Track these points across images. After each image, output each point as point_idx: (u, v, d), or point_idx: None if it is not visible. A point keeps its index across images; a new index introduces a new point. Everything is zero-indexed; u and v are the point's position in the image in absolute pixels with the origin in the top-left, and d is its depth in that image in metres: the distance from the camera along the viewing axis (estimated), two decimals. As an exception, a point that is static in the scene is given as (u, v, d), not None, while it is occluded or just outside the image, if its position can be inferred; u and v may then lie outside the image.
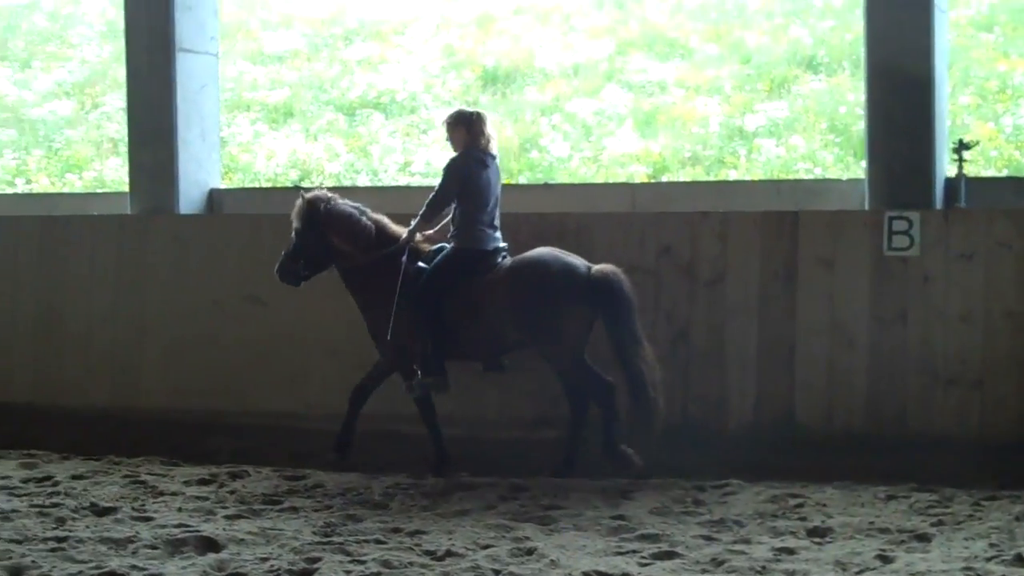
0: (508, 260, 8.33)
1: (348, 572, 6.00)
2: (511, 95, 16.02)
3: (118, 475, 8.17)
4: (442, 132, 8.64)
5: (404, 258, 8.33)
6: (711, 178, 12.29)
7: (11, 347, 10.13)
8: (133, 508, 7.32)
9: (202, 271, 9.79)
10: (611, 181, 12.53)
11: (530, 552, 6.28)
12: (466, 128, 8.33)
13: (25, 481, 8.08)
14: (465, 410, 8.79)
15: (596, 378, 8.09)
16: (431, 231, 8.46)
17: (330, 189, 8.94)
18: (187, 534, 6.66)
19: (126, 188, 13.03)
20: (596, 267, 8.08)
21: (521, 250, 8.31)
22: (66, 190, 15.22)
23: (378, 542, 6.54)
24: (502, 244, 8.40)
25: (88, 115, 18.70)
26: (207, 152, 10.45)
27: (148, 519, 7.06)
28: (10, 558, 6.32)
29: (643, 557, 6.21)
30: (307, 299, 9.23)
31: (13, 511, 7.25)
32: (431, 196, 8.33)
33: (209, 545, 6.50)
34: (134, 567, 6.12)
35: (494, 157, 8.42)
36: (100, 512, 7.23)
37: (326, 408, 9.07)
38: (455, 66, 17.46)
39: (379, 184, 14.22)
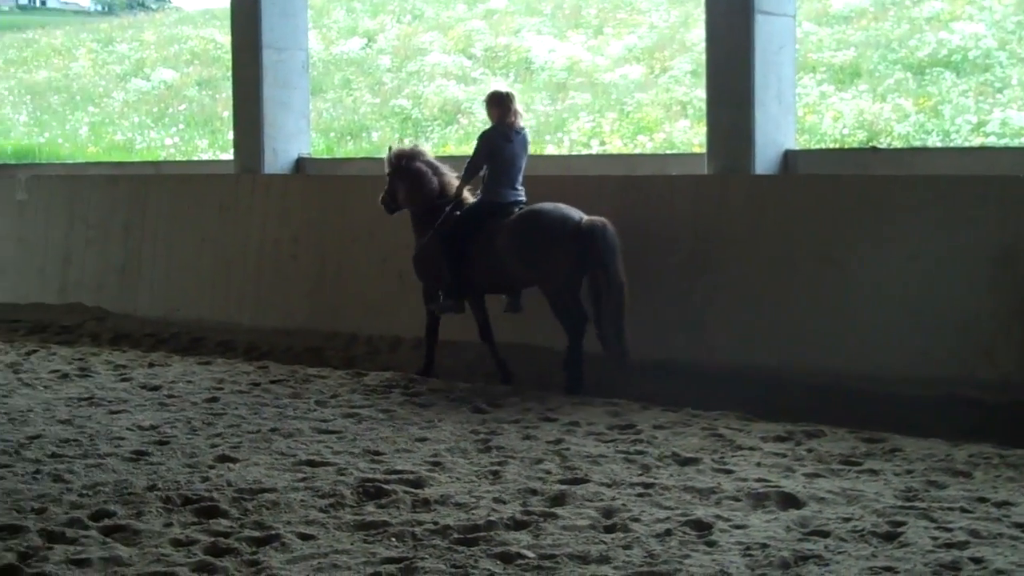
0: (521, 209, 9.99)
1: (935, 538, 5.90)
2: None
3: (697, 427, 8.39)
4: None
5: (448, 208, 10.21)
6: None
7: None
8: (713, 460, 7.52)
9: (777, 231, 9.87)
10: None
11: None
12: (497, 106, 10.04)
13: (610, 428, 8.49)
14: None
15: (577, 313, 9.68)
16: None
17: (888, 151, 9.05)
18: (768, 488, 6.78)
19: (694, 150, 13.34)
20: (587, 218, 9.55)
21: None
22: (637, 151, 15.77)
23: (963, 511, 6.38)
24: (522, 199, 10.08)
25: (657, 79, 19.27)
26: (783, 114, 10.49)
27: (728, 471, 7.24)
28: (601, 500, 6.69)
29: None
30: (884, 260, 9.13)
31: (601, 456, 7.65)
32: (468, 162, 10.17)
33: (790, 501, 6.59)
34: (719, 517, 6.31)
35: (519, 131, 10.08)
36: (683, 462, 7.48)
37: (899, 372, 8.97)
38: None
39: (951, 145, 13.74)
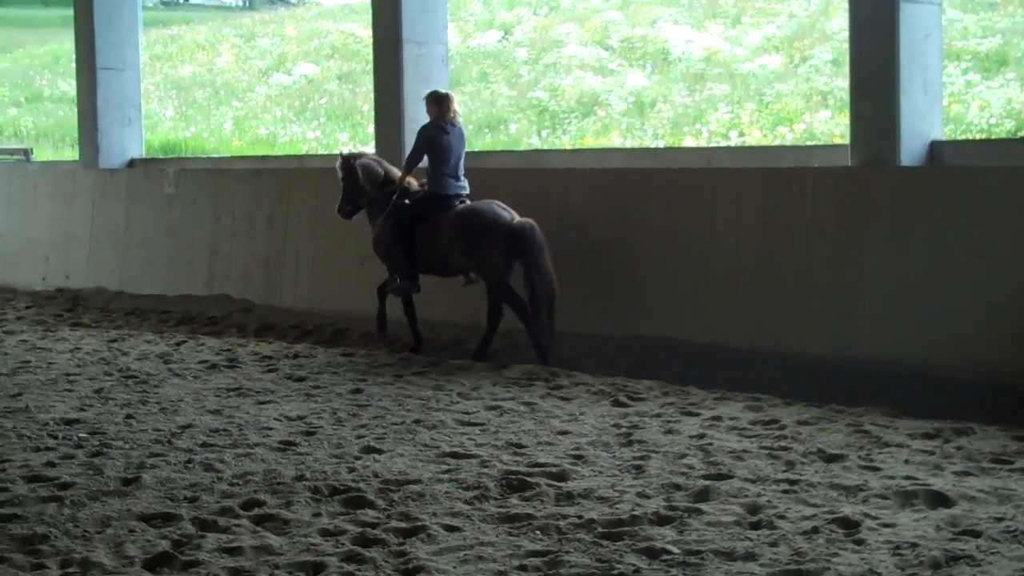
0: (462, 205, 11.18)
1: (1090, 542, 5.77)
2: None
3: (841, 423, 8.28)
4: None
5: (395, 196, 11.43)
6: None
7: (733, 293, 10.56)
8: (859, 457, 7.41)
9: (923, 223, 9.70)
10: None
11: None
12: (436, 105, 11.27)
13: (753, 423, 8.42)
14: None
15: (517, 298, 10.88)
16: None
17: None
18: (916, 487, 6.67)
19: (836, 140, 13.16)
20: (517, 219, 10.80)
21: None
22: (777, 142, 15.61)
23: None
24: (464, 191, 11.31)
25: (797, 68, 19.04)
26: (929, 104, 10.29)
27: (875, 468, 7.13)
28: (746, 496, 6.65)
29: None
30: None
31: (744, 451, 7.60)
32: (408, 154, 11.47)
33: (939, 499, 6.47)
34: (866, 515, 6.22)
35: (455, 126, 11.28)
36: (828, 458, 7.39)
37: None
38: None
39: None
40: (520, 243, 10.71)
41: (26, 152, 21.24)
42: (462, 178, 11.36)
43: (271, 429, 8.43)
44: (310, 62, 27.04)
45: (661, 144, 16.61)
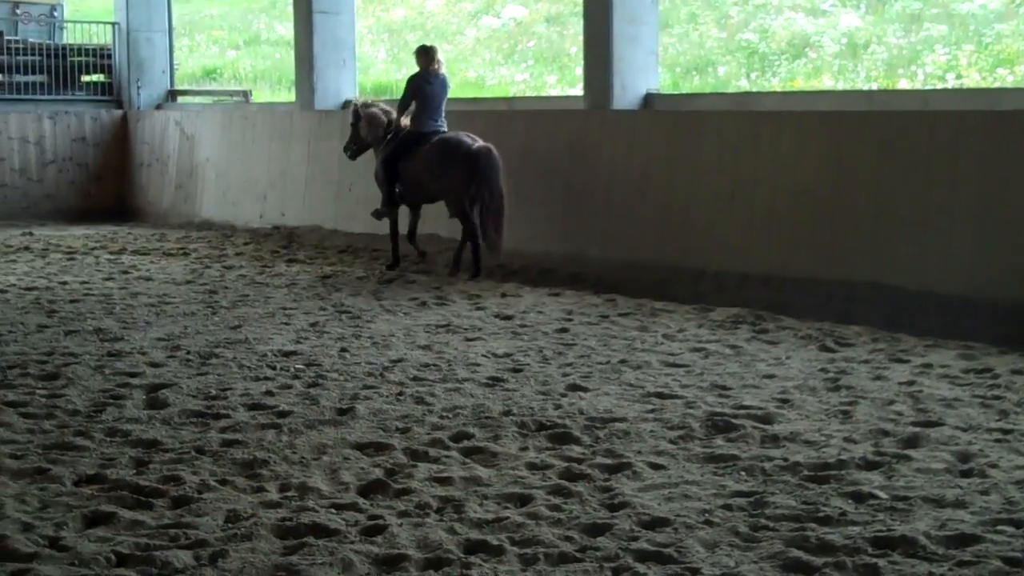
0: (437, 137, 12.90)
1: None
2: None
3: (1058, 374, 8.07)
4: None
5: (390, 135, 13.32)
6: None
7: (949, 239, 10.28)
8: (1077, 408, 7.23)
9: None
10: None
11: None
12: (424, 56, 13.11)
13: (966, 371, 8.25)
14: None
15: (470, 220, 12.59)
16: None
17: None
18: None
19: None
20: (476, 144, 12.47)
21: None
22: (997, 85, 15.11)
23: None
24: (442, 129, 13.07)
25: (1019, 8, 18.35)
26: None
27: (1094, 421, 6.94)
28: (956, 444, 6.54)
29: None
30: None
31: (955, 399, 7.47)
32: (399, 101, 13.37)
33: None
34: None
35: (438, 75, 13.07)
36: (1043, 408, 7.23)
37: None
38: None
39: None
40: (476, 167, 12.34)
41: (245, 94, 21.89)
42: (441, 119, 13.17)
43: (479, 365, 8.60)
44: (518, 4, 27.15)
45: (874, 87, 16.24)
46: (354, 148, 13.95)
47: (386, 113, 13.51)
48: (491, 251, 12.58)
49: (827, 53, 17.73)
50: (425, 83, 13.04)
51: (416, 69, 13.24)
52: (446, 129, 13.13)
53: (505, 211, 12.41)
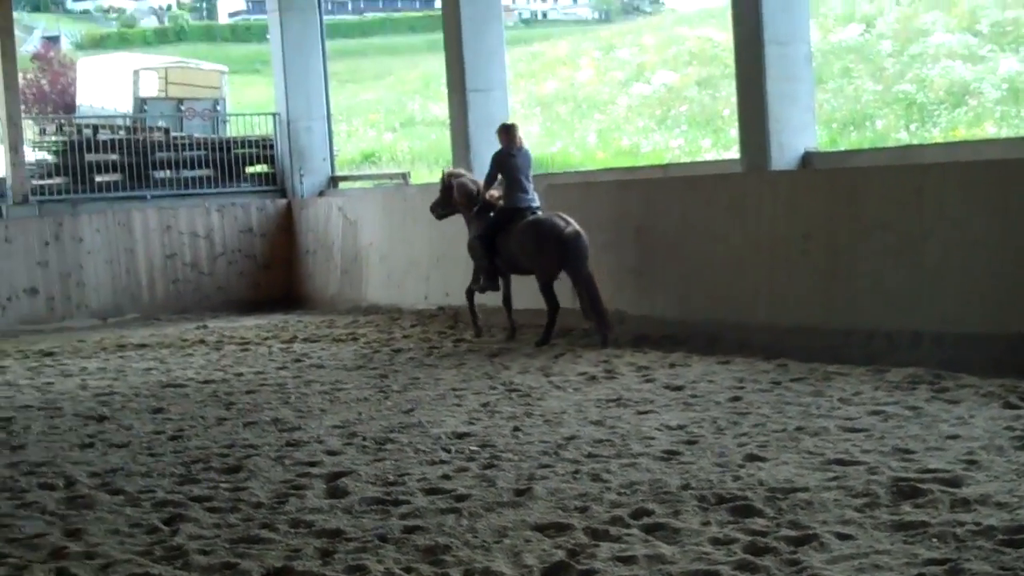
0: (532, 216, 13.71)
1: None
2: None
3: None
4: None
5: (477, 209, 14.23)
6: None
7: None
8: None
9: None
10: None
11: None
12: (506, 134, 13.98)
13: None
14: None
15: (554, 298, 13.50)
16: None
17: None
18: None
19: None
20: (568, 228, 13.23)
21: None
22: None
23: None
24: (535, 204, 13.90)
25: None
26: None
27: None
28: None
29: None
30: None
31: None
32: (485, 176, 14.18)
33: None
34: None
35: (520, 148, 13.99)
36: None
37: None
38: None
39: None
40: (566, 250, 13.21)
41: (404, 176, 22.27)
42: (531, 192, 13.98)
43: (653, 439, 8.54)
44: (669, 70, 27.21)
45: (1040, 131, 15.83)
46: (440, 211, 14.93)
47: (474, 183, 14.46)
48: (598, 327, 13.23)
49: (988, 100, 17.38)
50: (510, 157, 13.90)
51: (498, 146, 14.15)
52: (537, 203, 13.98)
53: (597, 288, 13.16)
